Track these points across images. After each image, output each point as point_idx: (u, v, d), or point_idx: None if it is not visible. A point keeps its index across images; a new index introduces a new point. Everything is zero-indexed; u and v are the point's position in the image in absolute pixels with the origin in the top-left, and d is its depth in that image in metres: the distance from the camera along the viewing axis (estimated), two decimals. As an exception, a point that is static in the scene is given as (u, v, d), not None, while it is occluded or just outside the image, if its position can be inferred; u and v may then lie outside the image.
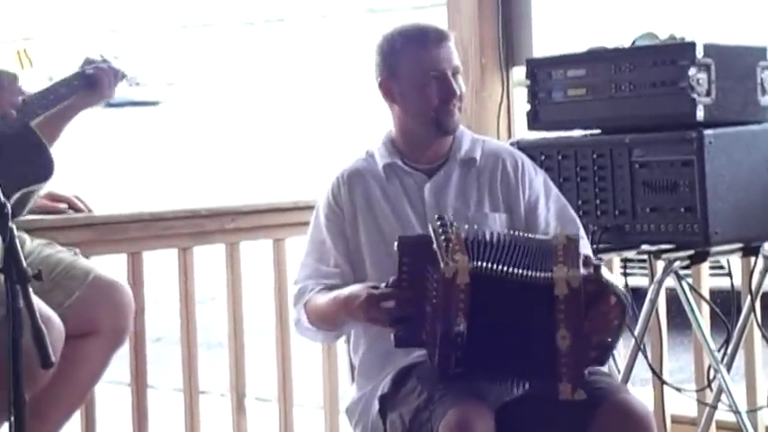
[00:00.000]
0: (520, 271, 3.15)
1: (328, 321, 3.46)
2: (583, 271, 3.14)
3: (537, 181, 3.61)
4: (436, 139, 3.56)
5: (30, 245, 3.43)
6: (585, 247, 3.48)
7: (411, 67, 3.51)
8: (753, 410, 4.24)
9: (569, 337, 3.10)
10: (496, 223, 3.46)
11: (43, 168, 3.42)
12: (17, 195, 3.18)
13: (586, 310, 3.12)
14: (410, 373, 3.36)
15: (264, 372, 4.81)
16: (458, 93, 3.49)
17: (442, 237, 3.13)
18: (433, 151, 3.57)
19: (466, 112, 4.12)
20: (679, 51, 3.93)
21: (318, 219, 3.57)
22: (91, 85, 3.72)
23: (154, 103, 23.79)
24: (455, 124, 3.54)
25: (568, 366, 3.12)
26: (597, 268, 3.19)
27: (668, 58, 3.95)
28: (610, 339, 3.23)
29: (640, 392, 3.64)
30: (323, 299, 3.41)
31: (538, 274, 3.15)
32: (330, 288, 3.43)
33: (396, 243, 3.18)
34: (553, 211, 3.57)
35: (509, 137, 4.65)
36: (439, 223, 3.16)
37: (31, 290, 2.55)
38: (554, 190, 3.63)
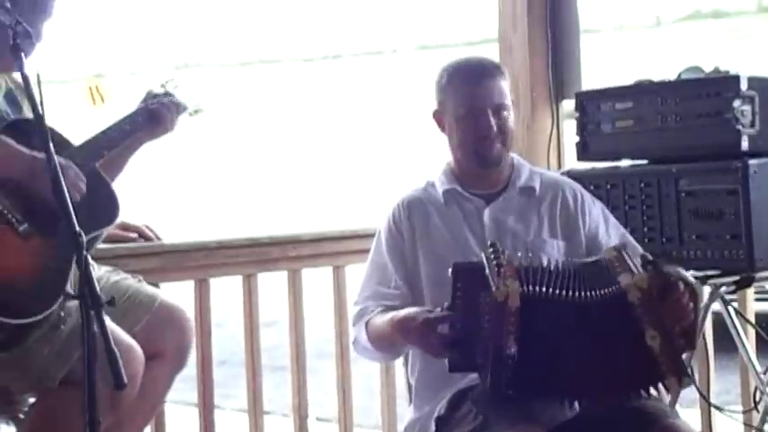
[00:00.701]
0: (574, 294, 3.13)
1: (386, 341, 3.44)
2: (644, 271, 3.12)
3: (595, 210, 3.60)
4: (480, 171, 3.55)
5: (98, 272, 3.45)
6: (635, 247, 3.49)
7: (454, 101, 3.52)
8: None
9: (658, 334, 3.08)
10: (554, 250, 3.44)
11: (110, 212, 3.42)
12: (89, 237, 3.20)
13: (661, 304, 3.10)
14: (466, 396, 3.34)
15: (325, 393, 4.81)
16: (494, 129, 3.47)
17: (494, 262, 3.11)
18: (490, 180, 3.56)
19: (517, 144, 4.12)
20: (723, 84, 3.91)
21: (380, 243, 3.57)
22: (153, 119, 3.70)
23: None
24: (495, 158, 3.52)
25: (667, 361, 3.09)
26: (655, 263, 3.16)
27: (713, 90, 3.93)
28: (691, 322, 3.19)
29: (688, 414, 3.61)
30: (382, 320, 3.40)
31: (604, 291, 3.12)
32: (390, 309, 3.42)
33: (450, 269, 3.18)
34: (614, 238, 3.55)
35: (559, 167, 4.63)
36: (491, 250, 3.15)
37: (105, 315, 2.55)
38: (612, 218, 3.62)
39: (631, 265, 3.14)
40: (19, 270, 3.16)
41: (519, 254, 3.19)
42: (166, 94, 3.79)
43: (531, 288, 3.09)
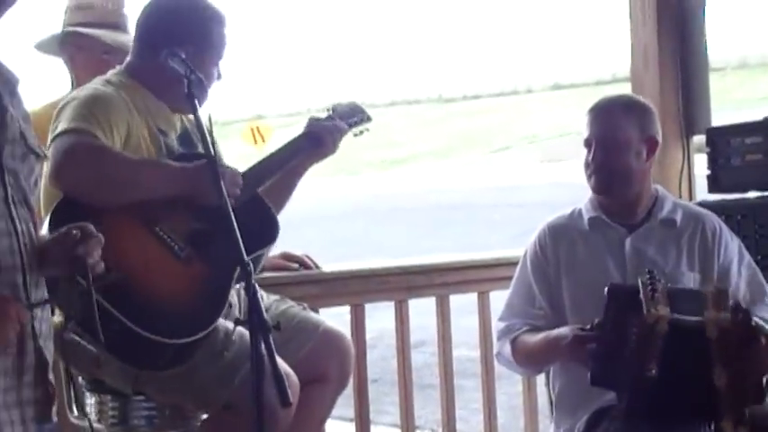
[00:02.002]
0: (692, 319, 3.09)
1: (536, 358, 3.48)
2: (730, 315, 3.07)
3: (732, 246, 3.53)
4: (605, 199, 3.51)
5: (266, 300, 3.47)
6: (762, 311, 3.40)
7: (582, 131, 3.51)
8: None
9: (725, 376, 3.02)
10: (690, 282, 3.39)
11: (270, 232, 3.42)
12: (250, 258, 3.23)
13: (739, 351, 3.03)
14: (604, 415, 3.30)
15: (470, 410, 4.79)
16: (596, 161, 3.44)
17: (649, 287, 3.08)
18: (630, 210, 3.51)
19: (653, 177, 4.07)
20: None
21: (525, 265, 3.56)
22: (316, 142, 3.66)
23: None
24: (598, 189, 3.50)
25: (729, 404, 3.04)
26: (746, 312, 3.11)
27: (840, 124, 3.86)
28: (764, 379, 3.13)
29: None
30: (533, 339, 3.41)
31: (691, 319, 3.08)
32: (535, 328, 3.43)
33: (606, 289, 3.15)
34: (744, 276, 3.48)
35: (690, 198, 4.56)
36: (648, 276, 3.12)
37: (272, 340, 2.56)
38: (747, 257, 3.54)
39: (723, 305, 3.09)
40: (180, 293, 3.19)
41: (669, 284, 3.15)
42: (329, 117, 3.74)
43: (678, 315, 3.05)
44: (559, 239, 3.53)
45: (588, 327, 3.19)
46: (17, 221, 2.43)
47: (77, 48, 3.89)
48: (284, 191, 3.65)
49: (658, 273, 3.22)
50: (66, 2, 3.97)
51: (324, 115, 3.75)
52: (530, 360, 3.50)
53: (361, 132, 3.85)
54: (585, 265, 3.46)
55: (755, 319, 3.16)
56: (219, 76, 3.44)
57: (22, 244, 2.43)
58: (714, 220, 3.59)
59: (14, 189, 2.45)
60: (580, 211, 3.58)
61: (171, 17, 3.41)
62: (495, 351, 3.59)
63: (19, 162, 2.48)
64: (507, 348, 3.48)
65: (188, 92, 2.98)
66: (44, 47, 3.99)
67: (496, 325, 3.60)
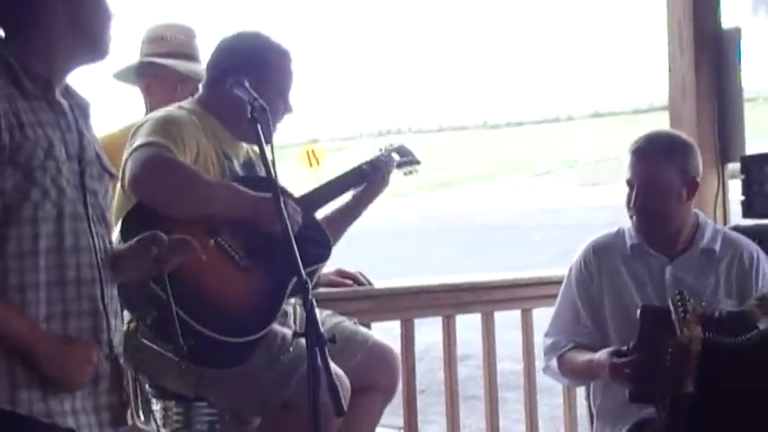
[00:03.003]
0: (740, 338, 3.05)
1: (580, 377, 3.50)
2: None
3: None
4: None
5: (320, 315, 3.48)
6: None
7: (624, 168, 3.49)
8: None
9: None
10: (727, 307, 3.33)
11: (323, 251, 3.43)
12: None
13: None
14: (643, 428, 3.28)
15: (512, 420, 4.77)
16: (635, 205, 3.41)
17: (681, 308, 3.05)
18: (672, 239, 3.48)
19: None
20: None
21: (570, 282, 3.54)
22: (367, 179, 3.70)
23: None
24: (640, 229, 3.46)
25: None
26: None
27: None
28: None
29: None
30: (577, 359, 3.41)
31: (752, 335, 3.04)
32: (580, 346, 3.42)
33: (639, 311, 3.13)
34: None
35: (724, 224, 4.51)
36: (678, 297, 3.08)
37: (327, 352, 2.57)
38: None
39: None
40: (239, 297, 3.22)
41: (702, 303, 3.12)
42: (382, 155, 3.79)
43: (713, 335, 3.02)
44: (603, 259, 3.50)
45: (625, 348, 3.16)
46: (95, 238, 2.47)
47: (153, 77, 3.94)
48: (342, 227, 3.69)
49: (696, 300, 3.17)
50: (142, 35, 4.04)
51: (375, 156, 3.80)
52: (574, 376, 3.52)
53: (411, 173, 3.94)
54: (627, 288, 3.44)
55: None
56: (288, 110, 3.46)
57: (99, 259, 2.47)
58: (752, 247, 3.54)
59: (94, 208, 2.49)
60: (624, 232, 3.54)
61: (234, 50, 3.45)
62: (542, 365, 3.58)
63: (97, 182, 2.53)
64: (554, 363, 3.49)
65: (251, 117, 3.00)
66: (121, 76, 4.06)
67: (543, 341, 3.58)
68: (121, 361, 2.54)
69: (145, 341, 3.15)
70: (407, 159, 3.88)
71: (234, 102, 3.18)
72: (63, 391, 2.37)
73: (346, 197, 3.73)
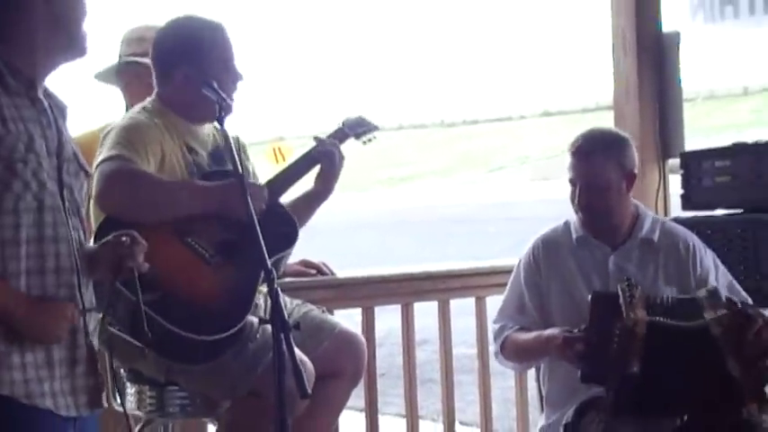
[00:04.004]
0: (682, 323, 3.09)
1: (526, 354, 3.48)
2: (726, 310, 3.08)
3: (707, 259, 3.52)
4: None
5: (290, 305, 3.48)
6: (740, 292, 3.44)
7: (567, 167, 3.48)
8: None
9: (738, 365, 3.02)
10: (667, 295, 3.36)
11: (289, 236, 3.40)
12: (272, 260, 3.22)
13: (742, 337, 3.03)
14: (591, 406, 3.30)
15: (467, 402, 4.78)
16: (582, 202, 3.43)
17: (628, 293, 3.09)
18: (613, 230, 3.51)
19: (633, 195, 4.07)
20: (809, 145, 3.83)
21: (519, 274, 3.56)
22: (318, 162, 3.60)
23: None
24: (586, 223, 3.48)
25: (748, 388, 3.03)
26: (735, 303, 3.13)
27: (800, 150, 3.85)
28: None
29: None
30: (524, 336, 3.41)
31: (692, 324, 3.08)
32: (524, 329, 3.42)
33: (590, 296, 3.16)
34: (722, 284, 3.47)
35: (665, 216, 4.56)
36: (626, 284, 3.13)
37: (292, 338, 2.57)
38: (722, 266, 3.54)
39: (719, 304, 3.09)
40: (211, 296, 3.20)
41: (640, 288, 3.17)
42: (339, 130, 3.71)
43: (657, 318, 3.06)
44: (551, 251, 3.52)
45: (576, 330, 3.19)
46: (71, 230, 2.47)
47: (134, 76, 3.91)
48: (309, 210, 3.64)
49: (636, 283, 3.22)
50: (121, 36, 4.01)
51: (335, 128, 3.72)
52: (520, 356, 3.49)
53: (370, 141, 3.82)
54: (573, 278, 3.46)
55: (747, 307, 3.16)
56: (237, 78, 3.38)
57: (75, 249, 2.47)
58: (689, 236, 3.57)
59: (70, 202, 2.49)
60: (570, 225, 3.57)
61: (170, 40, 3.42)
62: (493, 351, 3.58)
63: (73, 178, 2.53)
64: (500, 347, 3.49)
65: (219, 116, 3.00)
66: (102, 77, 4.05)
67: (492, 327, 3.59)
68: (96, 346, 2.54)
69: (116, 331, 3.14)
70: (364, 129, 3.77)
71: (183, 90, 3.26)
72: (40, 343, 2.37)
73: (310, 181, 3.66)
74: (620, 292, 3.12)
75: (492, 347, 3.64)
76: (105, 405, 2.59)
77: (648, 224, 3.53)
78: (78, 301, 2.46)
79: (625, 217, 3.51)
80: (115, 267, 2.53)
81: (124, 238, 2.53)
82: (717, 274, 3.49)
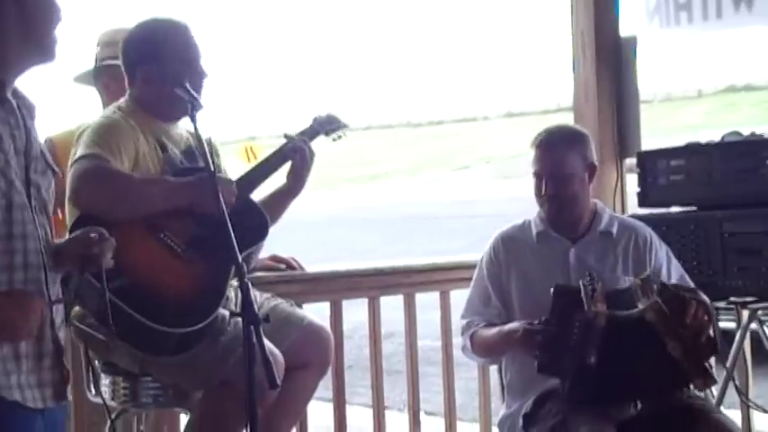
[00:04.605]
0: (626, 313, 3.12)
1: (491, 349, 3.47)
2: (658, 296, 3.10)
3: (661, 252, 3.55)
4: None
5: (260, 298, 3.47)
6: (689, 283, 3.47)
7: (532, 161, 3.49)
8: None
9: (678, 346, 3.05)
10: (626, 284, 3.38)
11: (260, 231, 3.39)
12: (243, 255, 3.21)
13: (678, 319, 3.06)
14: (548, 397, 3.31)
15: (432, 392, 4.79)
16: (543, 192, 3.43)
17: (590, 287, 3.11)
18: (574, 224, 3.52)
19: (592, 193, 4.08)
20: (759, 146, 3.89)
21: (481, 269, 3.56)
22: (291, 154, 3.59)
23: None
24: (550, 215, 3.49)
25: (691, 366, 3.06)
26: (667, 287, 3.15)
27: (751, 150, 3.90)
28: (711, 332, 3.15)
29: (730, 413, 3.52)
30: (488, 332, 3.42)
31: (633, 312, 3.12)
32: (490, 324, 3.42)
33: (552, 289, 3.16)
34: (674, 276, 3.51)
35: (622, 212, 4.58)
36: (588, 278, 3.14)
37: (261, 330, 2.56)
38: (674, 260, 3.57)
39: (651, 291, 3.11)
40: (183, 289, 3.18)
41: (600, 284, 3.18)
42: (310, 127, 3.69)
43: (615, 312, 3.08)
44: (511, 248, 3.53)
45: (536, 322, 3.20)
46: (38, 227, 2.45)
47: (111, 78, 3.89)
48: (281, 206, 3.63)
49: (598, 278, 3.24)
50: (97, 40, 4.01)
51: (306, 125, 3.71)
52: (487, 351, 3.50)
53: (339, 137, 3.80)
54: (533, 272, 3.47)
55: (680, 291, 3.18)
56: (203, 75, 3.36)
57: (42, 246, 2.45)
58: (646, 230, 3.61)
59: (37, 199, 2.47)
60: (530, 223, 3.58)
61: (137, 42, 3.43)
62: (460, 345, 3.57)
63: (40, 176, 2.50)
64: (469, 343, 3.49)
65: (191, 114, 3.00)
66: (81, 79, 4.05)
67: (459, 322, 3.60)
68: (62, 340, 2.52)
69: (84, 327, 3.12)
70: (334, 126, 3.76)
71: (146, 89, 3.28)
72: (8, 341, 2.34)
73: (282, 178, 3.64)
74: (581, 287, 3.13)
75: (458, 341, 3.64)
76: (70, 398, 2.56)
77: (607, 218, 3.56)
78: (45, 296, 2.44)
79: (586, 209, 3.53)
80: (83, 261, 2.50)
81: (93, 234, 2.50)
82: (670, 267, 3.53)
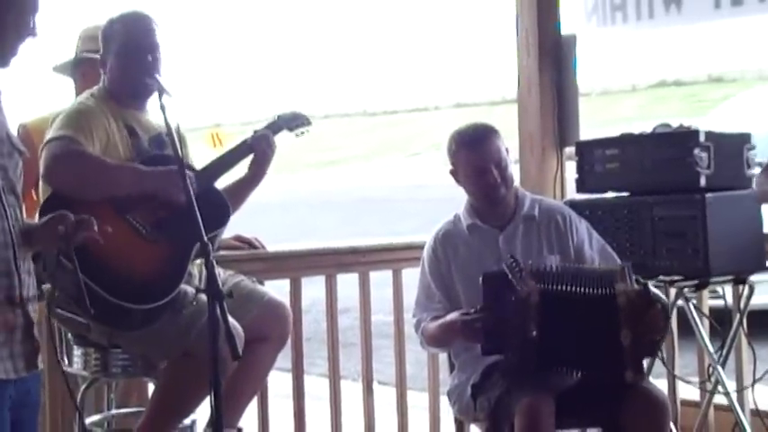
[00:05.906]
0: (580, 289, 3.13)
1: (439, 341, 3.47)
2: (636, 287, 3.13)
3: (581, 228, 3.57)
4: (492, 208, 3.51)
5: (223, 275, 3.45)
6: (612, 254, 3.52)
7: (464, 164, 3.48)
8: (740, 390, 4.18)
9: (630, 336, 3.07)
10: (552, 263, 3.38)
11: (222, 216, 3.38)
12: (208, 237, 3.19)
13: (640, 315, 3.08)
14: (495, 369, 3.33)
15: (385, 364, 4.81)
16: (498, 179, 3.43)
17: (516, 269, 3.12)
18: (500, 212, 3.53)
19: (531, 180, 4.12)
20: (687, 137, 3.90)
21: (424, 268, 3.55)
22: (252, 150, 3.58)
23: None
24: (501, 199, 3.48)
25: (631, 358, 3.09)
26: (646, 286, 3.20)
27: (679, 141, 3.92)
28: (658, 337, 3.22)
29: (658, 383, 3.56)
30: (433, 326, 3.41)
31: (600, 291, 3.12)
32: (437, 318, 3.42)
33: (480, 278, 3.16)
34: (596, 249, 3.54)
35: (562, 197, 4.62)
36: (511, 261, 3.15)
37: (225, 305, 2.56)
38: (594, 233, 3.59)
39: (629, 280, 3.14)
40: (147, 267, 3.18)
41: (530, 262, 3.19)
42: (273, 122, 3.67)
43: (546, 286, 3.09)
44: (447, 244, 3.52)
45: (473, 310, 3.20)
46: (6, 207, 2.41)
47: (89, 68, 3.85)
48: (243, 195, 3.61)
49: (526, 259, 3.24)
50: (78, 34, 4.00)
51: (271, 120, 3.69)
52: (437, 343, 3.50)
53: (302, 134, 3.78)
54: (471, 263, 3.45)
55: (653, 289, 3.22)
56: (157, 64, 3.33)
57: (11, 225, 2.42)
58: (565, 210, 3.62)
59: (5, 180, 2.43)
60: (460, 216, 3.57)
61: (101, 36, 3.45)
62: (419, 341, 3.55)
63: (7, 158, 2.47)
64: (421, 337, 3.49)
65: (160, 103, 2.98)
66: (60, 69, 4.02)
67: (411, 321, 3.58)
68: (33, 314, 2.49)
69: (61, 311, 3.11)
70: (297, 123, 3.73)
71: (112, 77, 3.31)
72: None
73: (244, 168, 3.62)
74: (506, 269, 3.14)
75: (408, 316, 3.63)
76: (41, 366, 2.54)
77: (528, 203, 3.56)
78: (14, 273, 2.41)
79: (510, 196, 3.53)
80: (58, 239, 2.46)
81: (60, 227, 2.45)
82: (591, 240, 3.55)
